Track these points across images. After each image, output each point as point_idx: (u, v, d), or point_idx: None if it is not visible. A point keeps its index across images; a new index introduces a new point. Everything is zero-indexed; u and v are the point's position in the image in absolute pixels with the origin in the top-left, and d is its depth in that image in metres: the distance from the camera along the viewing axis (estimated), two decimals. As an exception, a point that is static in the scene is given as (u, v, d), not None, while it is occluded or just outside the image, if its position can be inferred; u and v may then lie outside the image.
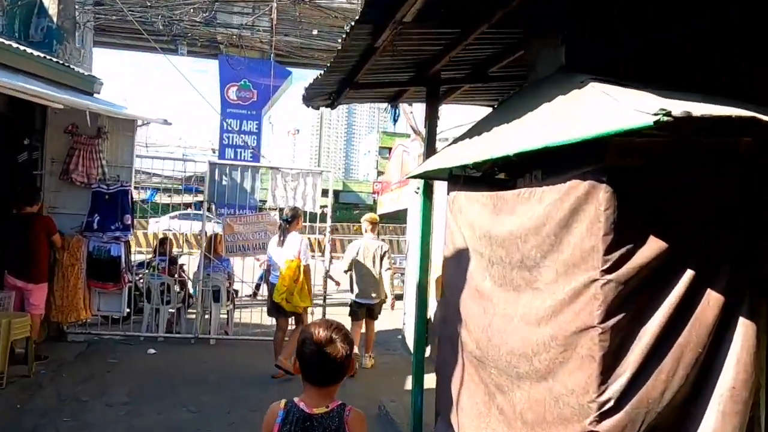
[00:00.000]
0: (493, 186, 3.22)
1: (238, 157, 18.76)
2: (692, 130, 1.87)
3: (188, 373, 6.31)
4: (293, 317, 6.43)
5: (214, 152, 25.08)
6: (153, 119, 8.07)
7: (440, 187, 4.62)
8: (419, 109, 7.06)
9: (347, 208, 38.31)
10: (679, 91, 2.11)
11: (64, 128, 6.99)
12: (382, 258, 6.82)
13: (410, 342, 7.00)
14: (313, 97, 4.80)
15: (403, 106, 6.98)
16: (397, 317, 8.14)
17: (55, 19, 8.64)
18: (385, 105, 6.21)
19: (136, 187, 9.16)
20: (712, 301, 2.16)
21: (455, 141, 3.53)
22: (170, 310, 7.93)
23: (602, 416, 2.13)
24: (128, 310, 7.55)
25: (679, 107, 1.74)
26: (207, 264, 7.80)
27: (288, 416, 1.93)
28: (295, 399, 1.97)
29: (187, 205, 18.20)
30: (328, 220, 8.20)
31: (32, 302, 6.12)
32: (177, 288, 7.92)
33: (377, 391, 5.73)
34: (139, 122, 7.80)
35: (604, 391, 2.13)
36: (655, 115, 1.73)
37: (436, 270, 5.17)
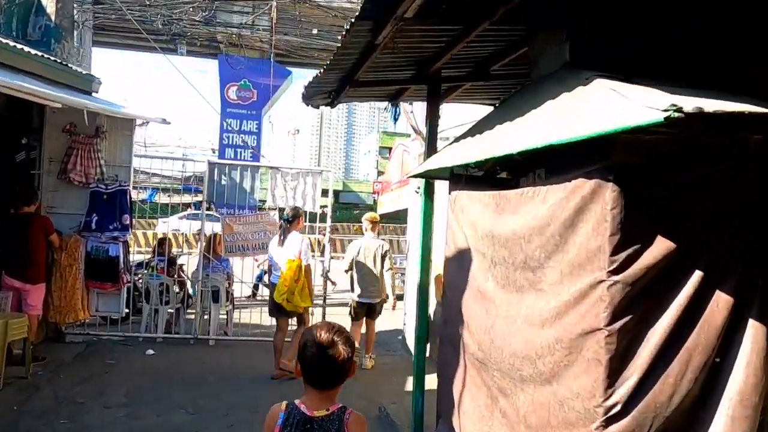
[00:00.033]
0: (495, 185, 3.19)
1: (238, 157, 18.77)
2: (703, 126, 1.82)
3: (187, 374, 6.28)
4: (294, 318, 6.41)
5: (214, 152, 25.13)
6: (151, 118, 8.04)
7: (441, 186, 4.58)
8: (420, 108, 7.02)
9: (347, 208, 38.34)
10: (684, 89, 2.06)
11: (62, 127, 6.95)
12: (383, 257, 6.82)
13: (411, 343, 6.97)
14: (312, 95, 4.76)
15: (404, 105, 6.95)
16: (398, 318, 8.11)
17: (53, 18, 8.60)
18: (385, 104, 6.19)
19: (135, 187, 9.12)
20: (721, 302, 2.11)
21: (456, 140, 3.49)
22: (169, 311, 7.89)
23: (609, 421, 2.08)
24: (127, 310, 7.54)
25: (690, 103, 1.69)
26: (206, 264, 7.75)
27: (289, 418, 1.92)
28: (296, 401, 1.96)
29: (187, 205, 18.16)
30: (328, 220, 8.17)
31: (30, 303, 6.08)
32: (176, 288, 7.89)
33: (377, 393, 5.68)
34: (138, 122, 7.78)
35: (610, 395, 2.09)
36: (666, 111, 1.68)
37: (436, 270, 5.13)
